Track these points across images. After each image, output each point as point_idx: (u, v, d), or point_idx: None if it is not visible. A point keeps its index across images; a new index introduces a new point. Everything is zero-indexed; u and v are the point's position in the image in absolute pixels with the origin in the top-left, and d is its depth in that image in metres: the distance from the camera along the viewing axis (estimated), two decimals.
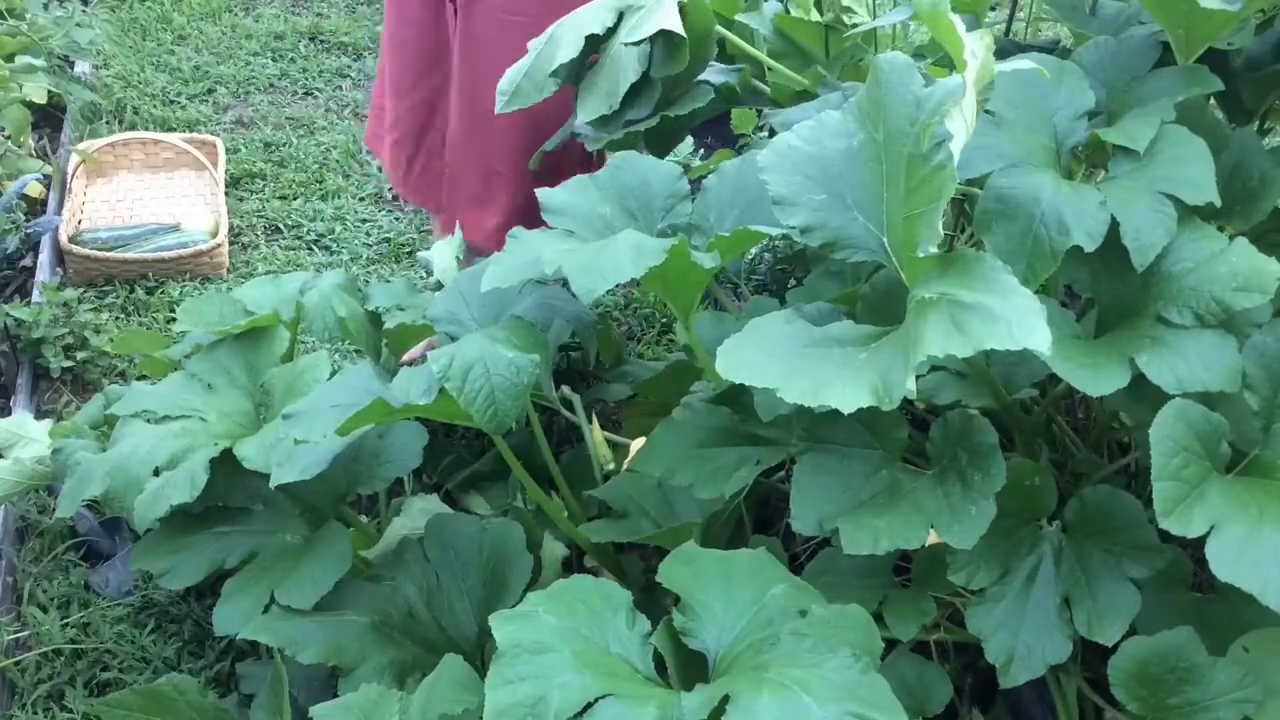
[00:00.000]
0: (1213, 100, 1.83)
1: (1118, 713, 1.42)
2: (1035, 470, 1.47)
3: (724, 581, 1.36)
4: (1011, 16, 2.48)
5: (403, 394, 1.59)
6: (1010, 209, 1.44)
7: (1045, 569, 1.46)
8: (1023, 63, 1.47)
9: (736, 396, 1.68)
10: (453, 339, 1.93)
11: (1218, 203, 1.44)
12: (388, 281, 3.05)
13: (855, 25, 2.36)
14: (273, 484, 1.69)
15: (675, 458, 1.65)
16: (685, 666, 1.33)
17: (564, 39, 1.96)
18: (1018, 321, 1.15)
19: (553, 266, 1.51)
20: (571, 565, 1.89)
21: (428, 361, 1.58)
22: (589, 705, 1.16)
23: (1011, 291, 1.19)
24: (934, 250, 1.24)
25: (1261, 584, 1.18)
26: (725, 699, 1.16)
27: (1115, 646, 1.39)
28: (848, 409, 1.17)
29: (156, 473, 1.83)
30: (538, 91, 1.99)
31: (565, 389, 2.14)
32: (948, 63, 2.00)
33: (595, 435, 2.05)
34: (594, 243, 1.57)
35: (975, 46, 1.34)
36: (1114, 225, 1.43)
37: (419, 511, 1.99)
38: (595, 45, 1.97)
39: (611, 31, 1.96)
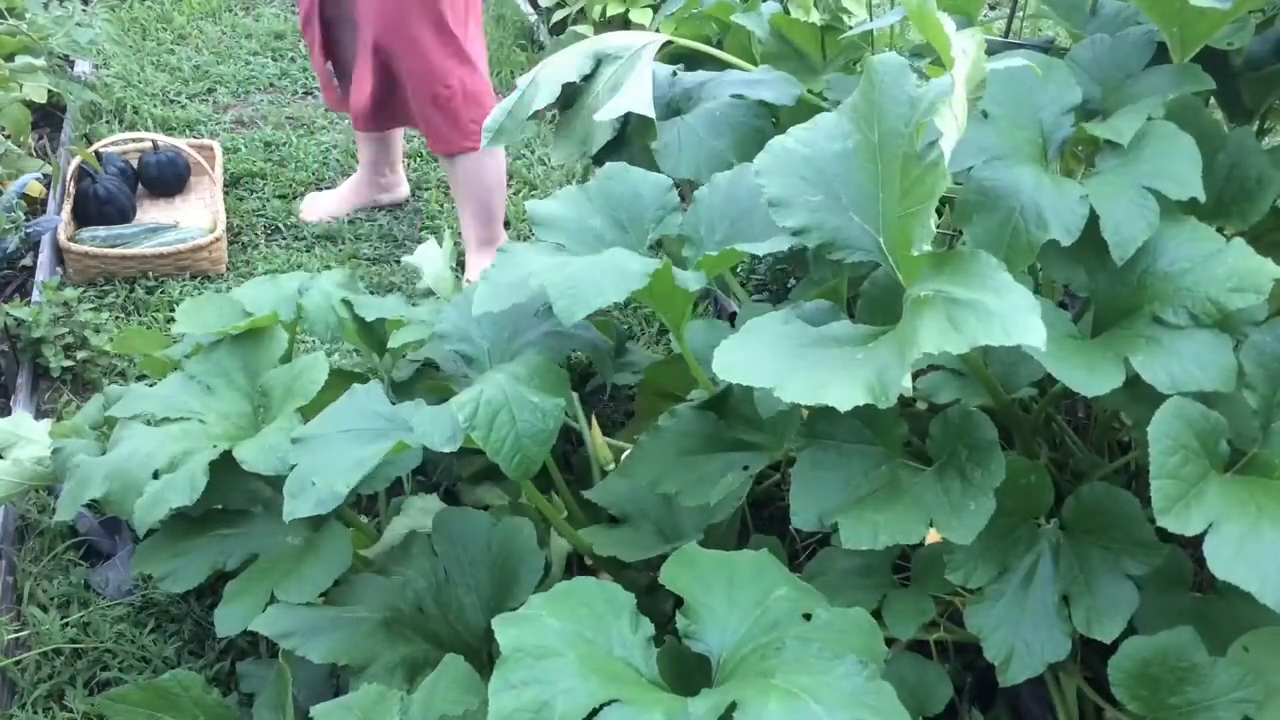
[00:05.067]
0: (1213, 100, 1.83)
1: (1118, 712, 1.42)
2: (1031, 468, 1.47)
3: (726, 583, 1.36)
4: (1011, 16, 2.48)
5: (424, 437, 1.57)
6: (990, 201, 1.45)
7: (1043, 567, 1.46)
8: (1014, 60, 1.47)
9: (723, 402, 1.68)
10: (463, 357, 1.92)
11: (1202, 198, 1.44)
12: (390, 283, 3.06)
13: (853, 26, 2.36)
14: (287, 518, 1.65)
15: (661, 466, 1.65)
16: (689, 669, 1.33)
17: (544, 84, 2.03)
18: (1012, 318, 1.15)
19: (537, 284, 1.51)
20: (573, 563, 1.89)
21: (450, 406, 1.56)
22: (594, 711, 1.15)
23: (1007, 289, 1.19)
24: (928, 248, 1.25)
25: (1259, 582, 1.18)
26: (732, 706, 1.15)
27: (1115, 646, 1.39)
28: (844, 407, 1.17)
29: (156, 475, 1.83)
30: (518, 130, 2.07)
31: None
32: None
33: (595, 436, 2.05)
34: (578, 261, 1.56)
35: (966, 44, 1.34)
36: None
37: (419, 511, 1.99)
38: (572, 92, 2.04)
39: (589, 78, 2.03)
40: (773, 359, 1.29)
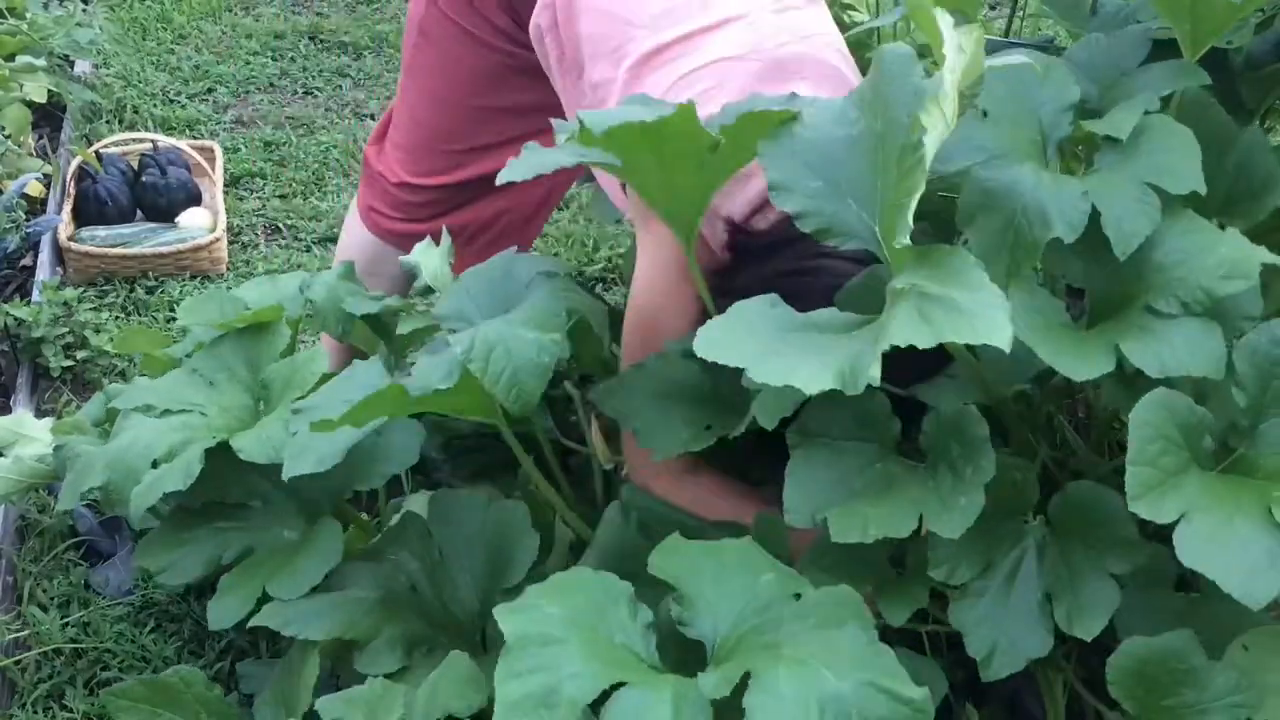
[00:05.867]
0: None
1: (1112, 712, 1.42)
2: (1017, 465, 1.47)
3: (715, 570, 1.37)
4: (1011, 15, 2.49)
5: (423, 380, 1.57)
6: (991, 201, 1.44)
7: (1028, 564, 1.45)
8: (1014, 57, 1.47)
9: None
10: None
11: (1202, 191, 1.44)
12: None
13: (857, 24, 2.37)
14: (286, 476, 1.67)
15: (634, 401, 1.64)
16: (686, 655, 1.33)
17: None
18: (980, 315, 1.15)
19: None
20: (576, 551, 1.89)
21: (448, 341, 1.57)
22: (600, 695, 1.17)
23: (979, 286, 1.19)
24: (907, 241, 1.25)
25: (1225, 571, 1.18)
26: (746, 675, 1.17)
27: (1112, 646, 1.39)
28: (810, 390, 1.18)
29: (155, 465, 1.84)
30: None
31: (567, 384, 2.14)
32: None
33: (595, 433, 2.04)
34: None
35: (963, 41, 1.35)
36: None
37: (418, 509, 1.99)
38: None
39: None
40: (752, 340, 1.29)
